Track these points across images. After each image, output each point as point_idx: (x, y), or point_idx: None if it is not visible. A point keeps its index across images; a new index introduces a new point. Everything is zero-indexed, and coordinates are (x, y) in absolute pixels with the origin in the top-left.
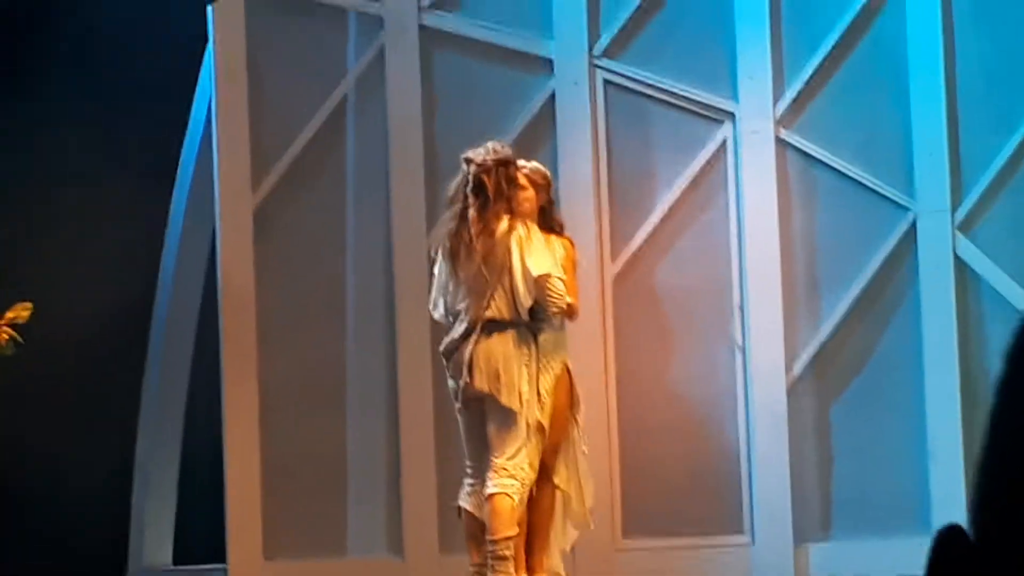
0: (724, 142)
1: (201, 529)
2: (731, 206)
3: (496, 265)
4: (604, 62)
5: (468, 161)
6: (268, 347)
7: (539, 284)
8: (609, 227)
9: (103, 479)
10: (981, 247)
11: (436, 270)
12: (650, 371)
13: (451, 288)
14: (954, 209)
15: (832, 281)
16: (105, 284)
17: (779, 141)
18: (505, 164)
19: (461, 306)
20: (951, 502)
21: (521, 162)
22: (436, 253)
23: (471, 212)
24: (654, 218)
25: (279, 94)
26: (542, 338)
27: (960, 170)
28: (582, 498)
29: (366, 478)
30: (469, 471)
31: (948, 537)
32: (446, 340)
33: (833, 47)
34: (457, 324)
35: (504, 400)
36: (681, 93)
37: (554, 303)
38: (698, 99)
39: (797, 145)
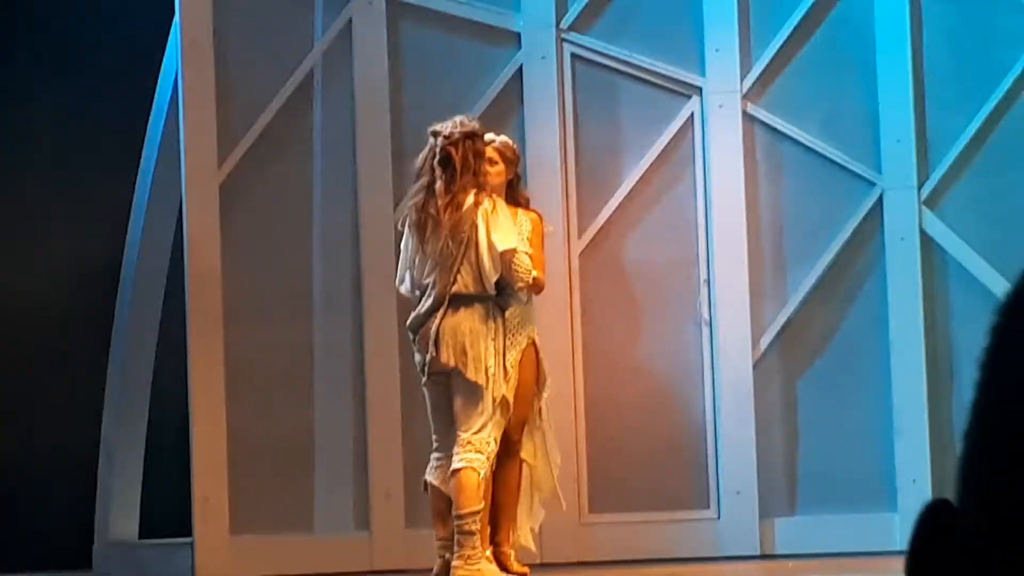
0: (691, 116)
1: (167, 504)
2: (698, 181)
3: (462, 239)
4: (572, 36)
5: (435, 134)
6: (235, 322)
7: (504, 259)
8: (576, 201)
9: (68, 454)
10: (947, 223)
11: (403, 244)
12: (617, 346)
13: (417, 262)
14: (920, 185)
15: (799, 256)
16: (70, 261)
17: (746, 116)
18: (472, 137)
19: (428, 280)
20: (916, 477)
21: (490, 136)
22: (403, 226)
23: (438, 185)
24: (621, 193)
25: (245, 68)
26: (509, 313)
27: (926, 146)
28: (550, 472)
29: (333, 453)
30: (435, 445)
31: (934, 511)
32: (413, 315)
33: (800, 21)
34: (424, 299)
35: (470, 375)
36: (648, 67)
37: (520, 278)
38: (665, 73)
39: (764, 120)
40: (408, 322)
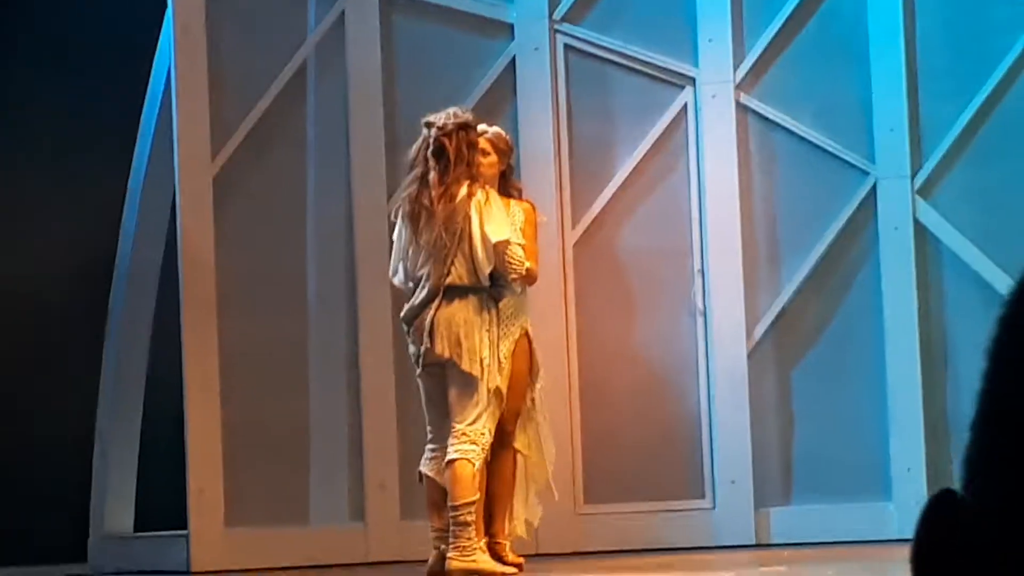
0: (685, 107)
1: (162, 496)
2: (691, 171)
3: (455, 231)
4: (565, 27)
5: (429, 125)
6: (229, 314)
7: (497, 251)
8: (570, 192)
9: (64, 446)
10: (941, 212)
11: (395, 235)
12: (611, 336)
13: (411, 253)
14: (914, 174)
15: (792, 245)
16: (64, 253)
17: (739, 106)
18: (466, 128)
19: (422, 272)
20: (911, 466)
21: (483, 127)
22: (396, 218)
23: (432, 176)
24: (614, 183)
25: (239, 59)
26: (503, 304)
27: (920, 135)
28: (543, 462)
29: (327, 445)
30: (430, 436)
31: (940, 500)
32: (407, 306)
33: (793, 11)
34: (418, 290)
35: (465, 366)
36: (642, 58)
37: (513, 269)
38: (658, 64)
39: (757, 110)
40: (402, 313)
